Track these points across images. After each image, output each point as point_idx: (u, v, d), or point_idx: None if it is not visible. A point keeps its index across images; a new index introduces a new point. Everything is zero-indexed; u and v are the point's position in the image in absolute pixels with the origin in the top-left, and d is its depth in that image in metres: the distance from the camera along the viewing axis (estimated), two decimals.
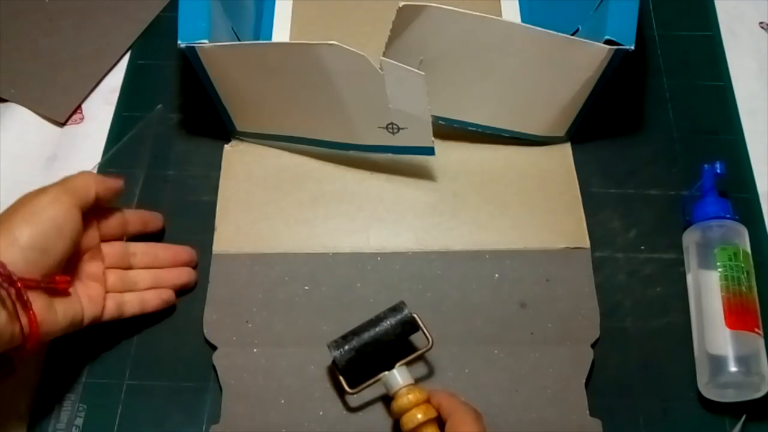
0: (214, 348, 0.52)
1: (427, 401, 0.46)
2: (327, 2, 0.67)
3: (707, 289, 0.51)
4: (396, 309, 0.49)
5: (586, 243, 0.55)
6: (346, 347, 0.48)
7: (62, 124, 0.62)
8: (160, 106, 0.62)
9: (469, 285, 0.54)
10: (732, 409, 0.50)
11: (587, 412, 0.50)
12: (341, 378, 0.48)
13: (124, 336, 0.53)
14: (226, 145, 0.60)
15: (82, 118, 0.63)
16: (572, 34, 0.54)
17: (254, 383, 0.51)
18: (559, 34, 0.50)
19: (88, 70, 0.65)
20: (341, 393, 0.50)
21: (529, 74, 0.53)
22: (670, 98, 0.63)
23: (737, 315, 0.49)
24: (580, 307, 0.53)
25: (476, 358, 0.51)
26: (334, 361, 0.48)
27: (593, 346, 0.52)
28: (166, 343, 0.53)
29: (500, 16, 0.65)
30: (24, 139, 0.61)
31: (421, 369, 0.51)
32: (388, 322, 0.48)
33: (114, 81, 0.64)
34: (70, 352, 0.52)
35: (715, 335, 0.49)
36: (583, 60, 0.51)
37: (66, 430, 0.50)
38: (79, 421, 0.50)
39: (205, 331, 0.52)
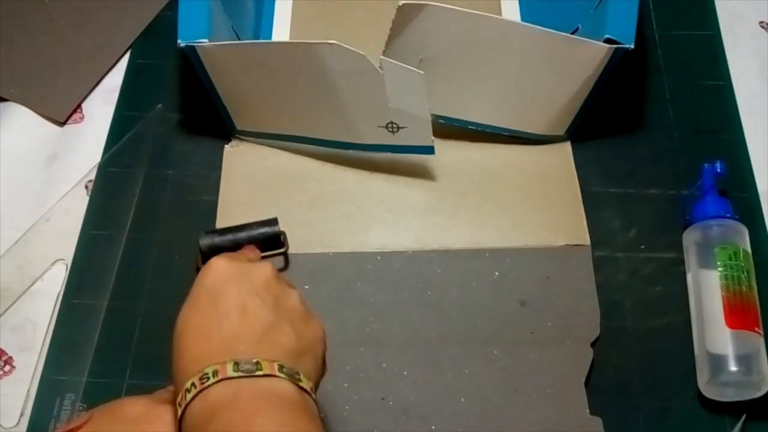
0: None
1: None
2: (327, 2, 0.67)
3: (707, 289, 0.51)
4: (268, 223, 0.54)
5: (587, 240, 0.55)
6: (215, 239, 0.53)
7: (62, 124, 0.62)
8: (160, 105, 0.62)
9: (469, 284, 0.54)
10: (732, 409, 0.50)
11: (587, 411, 0.49)
12: (200, 258, 0.52)
13: (125, 336, 0.53)
14: (226, 145, 0.60)
15: (82, 118, 0.63)
16: (572, 33, 0.54)
17: None
18: (559, 32, 0.50)
19: (88, 69, 0.65)
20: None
21: (529, 73, 0.53)
22: (671, 98, 0.62)
23: (737, 314, 0.49)
24: (580, 305, 0.53)
25: (476, 359, 0.51)
26: (199, 245, 0.53)
27: (593, 345, 0.52)
28: (166, 343, 0.52)
29: (500, 14, 0.65)
30: (24, 138, 0.61)
31: None
32: (256, 231, 0.53)
33: (114, 80, 0.64)
34: (70, 352, 0.52)
35: (716, 334, 0.49)
36: (583, 59, 0.51)
37: None
38: None
39: None
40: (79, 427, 0.39)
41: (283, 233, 0.54)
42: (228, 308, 0.36)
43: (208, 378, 0.33)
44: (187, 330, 0.37)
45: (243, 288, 0.37)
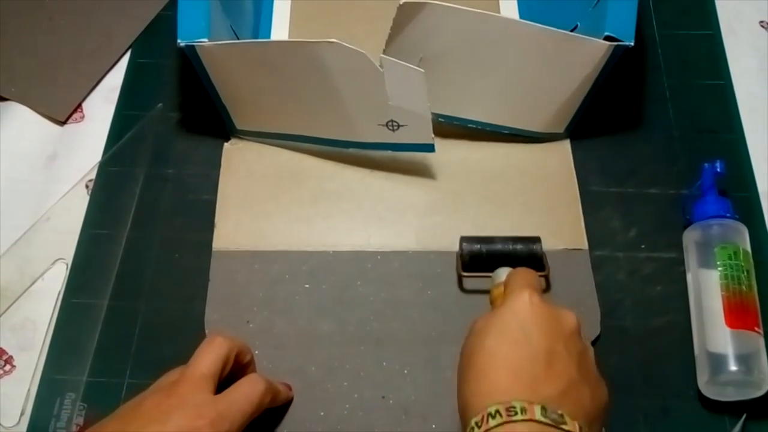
0: None
1: None
2: (326, 1, 0.67)
3: (707, 288, 0.51)
4: (530, 240, 0.52)
5: (584, 245, 0.55)
6: (476, 247, 0.52)
7: (63, 123, 0.62)
8: (160, 104, 0.62)
9: None
10: (732, 408, 0.50)
11: None
12: (460, 264, 0.52)
13: (125, 335, 0.53)
14: (225, 144, 0.60)
15: (82, 117, 0.63)
16: (571, 31, 0.54)
17: None
18: (558, 30, 0.50)
19: (88, 68, 0.65)
20: (459, 278, 0.54)
21: (529, 71, 0.53)
22: (670, 97, 0.62)
23: (737, 314, 0.49)
24: (579, 305, 0.53)
25: None
26: (461, 249, 0.52)
27: (593, 344, 0.52)
28: (166, 342, 0.53)
29: (498, 13, 0.65)
30: (24, 137, 0.61)
31: None
32: (519, 246, 0.52)
33: (114, 80, 0.64)
34: (71, 351, 0.52)
35: (715, 334, 0.49)
36: (582, 56, 0.51)
37: (66, 429, 0.50)
38: (80, 420, 0.50)
39: (207, 332, 0.52)
40: None
41: (544, 254, 0.52)
42: (539, 350, 0.38)
43: (516, 412, 0.35)
44: (497, 357, 0.38)
45: (553, 333, 0.39)
